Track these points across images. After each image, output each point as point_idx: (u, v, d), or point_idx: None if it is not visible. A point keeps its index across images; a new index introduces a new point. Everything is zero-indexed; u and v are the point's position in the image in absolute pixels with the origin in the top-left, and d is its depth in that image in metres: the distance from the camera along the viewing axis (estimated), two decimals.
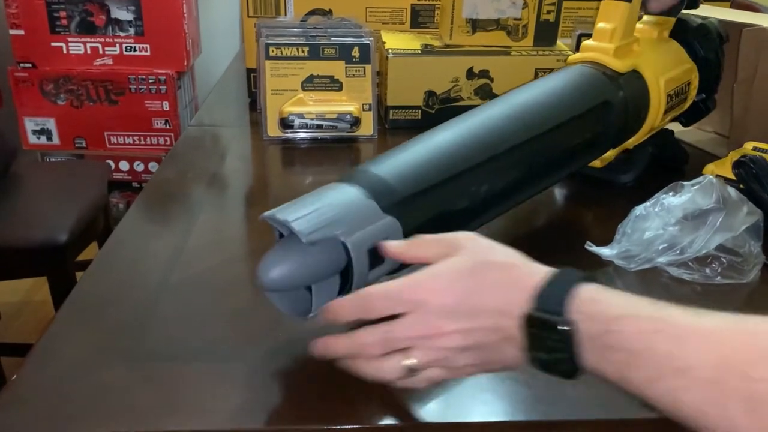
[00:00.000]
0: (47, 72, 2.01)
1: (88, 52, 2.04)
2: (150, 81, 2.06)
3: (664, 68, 0.75)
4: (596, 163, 0.75)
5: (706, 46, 0.81)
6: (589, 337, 0.38)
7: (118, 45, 2.05)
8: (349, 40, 0.97)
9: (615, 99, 0.68)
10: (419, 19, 1.09)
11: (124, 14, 2.03)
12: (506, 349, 0.42)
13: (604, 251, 0.63)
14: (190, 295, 0.58)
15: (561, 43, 1.03)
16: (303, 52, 0.95)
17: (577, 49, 1.08)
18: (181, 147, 0.95)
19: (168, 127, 2.09)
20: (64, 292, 0.57)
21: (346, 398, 0.46)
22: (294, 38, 0.97)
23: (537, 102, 0.63)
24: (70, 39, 2.01)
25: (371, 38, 0.97)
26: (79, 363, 0.48)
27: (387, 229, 0.47)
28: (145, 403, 0.45)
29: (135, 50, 2.07)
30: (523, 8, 1.00)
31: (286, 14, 1.07)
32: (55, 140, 2.10)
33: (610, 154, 0.75)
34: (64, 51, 2.02)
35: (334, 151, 0.89)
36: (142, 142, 2.11)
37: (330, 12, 1.07)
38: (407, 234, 0.48)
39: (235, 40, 2.33)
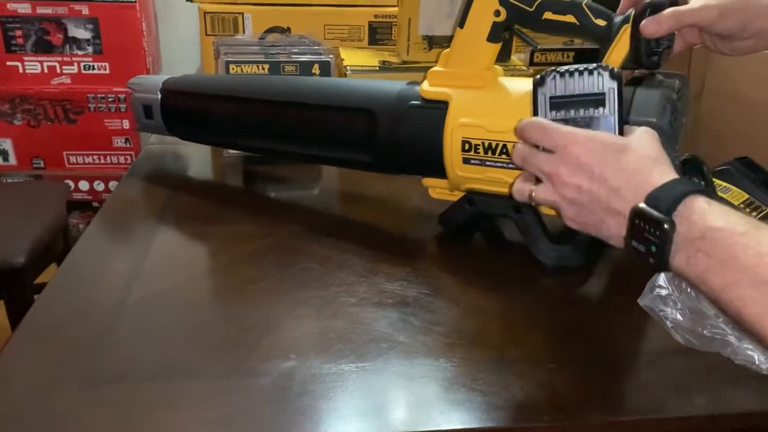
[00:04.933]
0: (2, 92, 1.97)
1: (45, 71, 2.01)
2: (109, 99, 2.04)
3: (477, 112, 0.65)
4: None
5: None
6: (684, 239, 0.43)
7: (76, 64, 2.02)
8: (309, 57, 0.97)
9: (383, 113, 0.69)
10: (377, 36, 1.11)
11: (81, 33, 2.01)
12: (609, 222, 0.48)
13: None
14: (147, 315, 0.57)
15: (515, 58, 1.05)
16: (263, 69, 0.96)
17: (530, 63, 1.11)
18: (139, 165, 0.94)
19: (128, 145, 2.07)
20: (21, 315, 0.57)
21: (306, 414, 0.46)
22: (253, 56, 0.97)
23: (317, 84, 0.79)
24: (26, 58, 1.98)
25: (331, 55, 0.98)
26: (33, 387, 0.48)
27: None
28: (99, 426, 0.45)
29: (93, 69, 2.04)
30: None
31: (244, 32, 1.07)
32: (12, 161, 2.06)
33: None
34: (20, 70, 1.99)
35: (295, 168, 0.89)
36: (102, 162, 2.09)
37: (288, 30, 1.08)
38: None
39: (196, 56, 2.32)
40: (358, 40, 1.11)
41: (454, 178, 0.66)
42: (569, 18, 0.60)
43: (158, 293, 0.61)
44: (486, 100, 0.65)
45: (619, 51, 0.59)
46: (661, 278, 0.54)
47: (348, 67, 1.00)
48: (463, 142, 0.64)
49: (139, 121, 0.91)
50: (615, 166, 0.48)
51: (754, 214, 0.70)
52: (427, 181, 0.70)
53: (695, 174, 0.64)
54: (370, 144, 0.70)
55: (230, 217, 0.76)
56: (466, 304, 0.60)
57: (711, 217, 0.43)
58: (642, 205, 0.45)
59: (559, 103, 0.52)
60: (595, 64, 0.52)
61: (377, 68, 1.00)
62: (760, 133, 0.84)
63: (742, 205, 0.71)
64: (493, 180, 0.64)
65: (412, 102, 0.68)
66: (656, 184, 0.46)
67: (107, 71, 2.04)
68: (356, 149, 0.72)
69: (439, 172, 0.67)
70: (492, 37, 0.65)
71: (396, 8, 1.08)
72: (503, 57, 1.04)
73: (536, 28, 0.64)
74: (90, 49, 2.02)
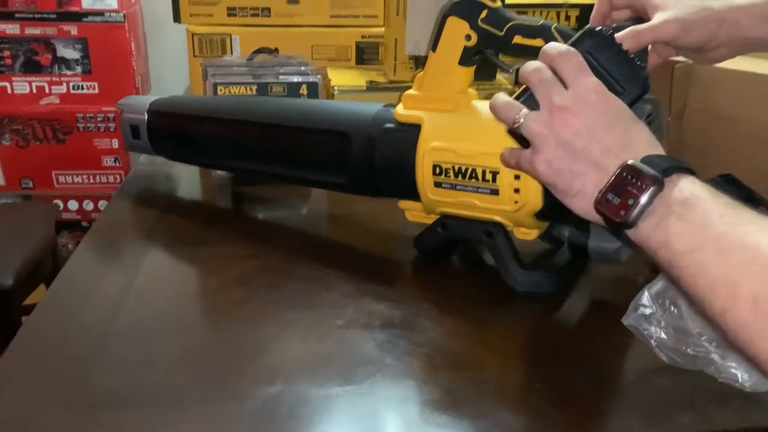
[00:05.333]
0: None
1: (34, 91, 2.01)
2: (99, 119, 2.04)
3: (448, 136, 0.64)
4: (527, 236, 0.66)
5: None
6: (665, 202, 0.44)
7: (65, 83, 2.02)
8: (297, 78, 0.98)
9: (357, 136, 0.69)
10: (364, 56, 1.12)
11: (70, 53, 2.01)
12: (589, 176, 0.48)
13: None
14: (136, 339, 0.57)
15: (501, 78, 1.06)
16: (251, 90, 0.96)
17: (515, 82, 1.12)
18: (129, 185, 0.95)
19: (118, 164, 2.07)
20: (10, 337, 0.57)
21: None
22: (241, 77, 0.98)
23: (294, 106, 0.81)
24: (14, 79, 1.98)
25: (318, 76, 0.99)
26: (20, 412, 0.48)
27: None
28: None
29: (82, 88, 2.05)
30: None
31: (232, 53, 1.08)
32: (1, 181, 2.06)
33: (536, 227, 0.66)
34: (9, 91, 1.99)
35: (283, 189, 0.90)
36: (92, 181, 2.08)
37: (276, 50, 1.09)
38: None
39: (186, 76, 2.32)
40: (345, 60, 1.12)
41: (427, 201, 0.67)
42: (539, 42, 0.61)
43: (146, 317, 0.61)
44: (457, 124, 0.65)
45: None
46: (645, 297, 0.55)
47: (336, 88, 1.01)
48: (434, 166, 0.64)
49: (127, 141, 0.92)
50: (625, 130, 0.48)
51: None
52: (403, 204, 0.70)
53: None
54: (345, 166, 0.71)
55: (218, 239, 0.77)
56: (451, 325, 0.60)
57: (699, 190, 0.44)
58: (636, 161, 0.46)
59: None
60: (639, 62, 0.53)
61: (365, 88, 1.01)
62: (742, 150, 0.86)
63: None
64: (465, 204, 0.64)
65: (387, 125, 0.68)
66: (650, 152, 0.47)
67: (96, 91, 2.04)
68: (331, 171, 0.73)
69: (414, 194, 0.67)
70: (464, 61, 0.65)
71: (383, 28, 1.09)
72: (488, 77, 1.05)
73: (507, 52, 0.65)
74: (79, 68, 2.02)
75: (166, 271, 0.71)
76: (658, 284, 0.54)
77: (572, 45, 0.53)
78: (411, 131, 0.66)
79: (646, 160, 0.46)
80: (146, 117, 0.89)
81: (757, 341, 0.38)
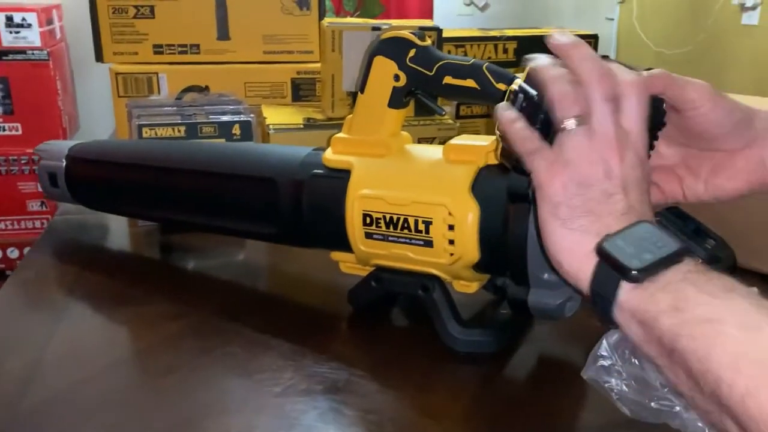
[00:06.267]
0: None
1: None
2: (23, 161, 1.95)
3: (378, 183, 0.59)
4: (467, 289, 0.61)
5: None
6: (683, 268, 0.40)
7: None
8: (229, 117, 0.93)
9: (284, 182, 0.65)
10: (300, 93, 1.08)
11: None
12: (600, 224, 0.43)
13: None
14: (48, 420, 0.51)
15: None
16: (179, 132, 0.91)
17: (456, 116, 1.10)
18: (50, 235, 0.88)
19: (44, 209, 1.97)
20: None
21: None
22: (169, 118, 0.92)
23: (219, 150, 0.76)
24: None
25: (252, 115, 0.94)
26: None
27: None
28: None
29: (4, 130, 1.95)
30: None
31: (159, 93, 1.03)
32: None
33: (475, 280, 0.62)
34: None
35: (214, 237, 0.84)
36: (16, 227, 1.98)
37: (207, 89, 1.04)
38: None
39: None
40: (281, 97, 1.08)
41: (359, 253, 0.62)
42: (469, 82, 0.58)
43: (61, 393, 0.54)
44: (388, 170, 0.61)
45: None
46: (603, 347, 0.51)
47: (271, 126, 0.96)
48: (365, 215, 0.59)
49: (45, 190, 0.85)
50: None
51: None
52: (336, 255, 0.65)
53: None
54: (273, 215, 0.66)
55: (144, 296, 0.70)
56: (396, 388, 0.55)
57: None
58: (605, 245, 0.42)
59: None
60: None
61: (302, 126, 0.97)
62: None
63: None
64: (399, 257, 0.59)
65: (315, 171, 0.63)
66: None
67: (19, 132, 1.95)
68: (259, 220, 0.68)
69: (346, 245, 0.62)
70: (394, 103, 0.61)
71: (319, 64, 1.06)
72: (428, 112, 1.02)
73: (438, 93, 0.62)
74: (0, 109, 1.93)
75: (85, 337, 0.64)
76: (617, 333, 0.51)
77: None
78: (340, 178, 0.61)
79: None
80: (64, 164, 0.82)
81: None
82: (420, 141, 0.99)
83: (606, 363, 0.51)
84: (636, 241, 0.41)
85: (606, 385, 0.51)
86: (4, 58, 1.91)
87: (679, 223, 0.75)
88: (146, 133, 0.90)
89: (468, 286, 0.61)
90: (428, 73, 0.60)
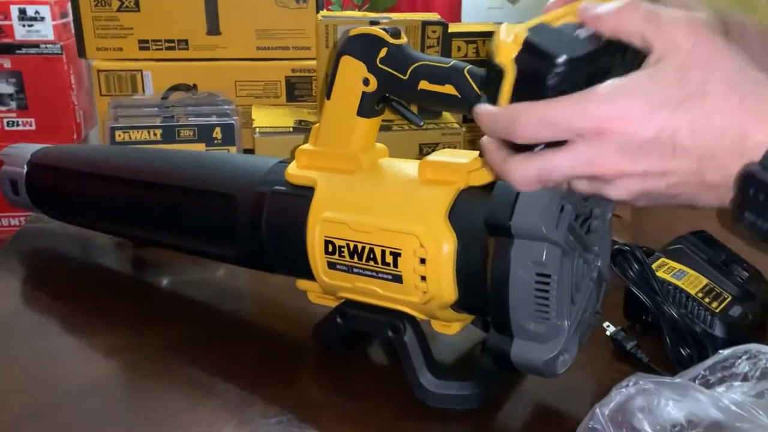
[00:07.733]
0: None
1: None
2: None
3: (343, 205, 0.51)
4: (447, 330, 0.53)
5: None
6: None
7: None
8: (211, 120, 0.86)
9: (244, 199, 0.56)
10: (296, 92, 1.00)
11: (4, 87, 1.89)
12: (704, 199, 0.36)
13: None
14: None
15: (448, 115, 0.94)
16: (155, 135, 0.84)
17: (464, 121, 1.00)
18: (10, 247, 0.81)
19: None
20: None
21: None
22: (147, 120, 0.85)
23: (179, 160, 0.66)
24: None
25: (236, 117, 0.86)
26: None
27: None
28: None
29: (18, 125, 1.92)
30: None
31: (144, 91, 0.96)
32: None
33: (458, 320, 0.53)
34: None
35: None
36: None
37: (195, 87, 0.97)
38: None
39: None
40: (275, 97, 0.99)
41: (322, 284, 0.53)
42: (448, 89, 0.48)
43: None
44: (355, 189, 0.52)
45: None
46: (597, 417, 0.42)
47: (257, 129, 0.88)
48: (326, 242, 0.50)
49: (7, 197, 0.79)
50: (692, 125, 0.34)
51: (714, 304, 0.59)
52: (302, 284, 0.57)
53: None
54: (230, 235, 0.58)
55: (95, 322, 0.63)
56: None
57: None
58: (756, 169, 0.33)
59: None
60: None
61: (290, 129, 0.89)
62: None
63: (700, 294, 0.59)
64: (365, 291, 0.50)
65: (276, 187, 0.55)
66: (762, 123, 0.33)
67: (33, 127, 1.92)
68: (215, 240, 0.60)
69: (309, 274, 0.53)
70: (364, 111, 0.52)
71: (315, 61, 0.97)
72: (434, 115, 0.93)
73: (413, 100, 0.53)
74: (14, 104, 1.89)
75: (20, 374, 0.56)
76: (612, 403, 0.42)
77: None
78: (303, 196, 0.52)
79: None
80: (25, 170, 0.76)
81: None
82: (422, 147, 0.90)
83: None
84: None
85: None
86: (17, 51, 1.87)
87: (707, 251, 0.65)
88: (119, 136, 0.83)
89: (447, 326, 0.52)
90: (401, 76, 0.50)
